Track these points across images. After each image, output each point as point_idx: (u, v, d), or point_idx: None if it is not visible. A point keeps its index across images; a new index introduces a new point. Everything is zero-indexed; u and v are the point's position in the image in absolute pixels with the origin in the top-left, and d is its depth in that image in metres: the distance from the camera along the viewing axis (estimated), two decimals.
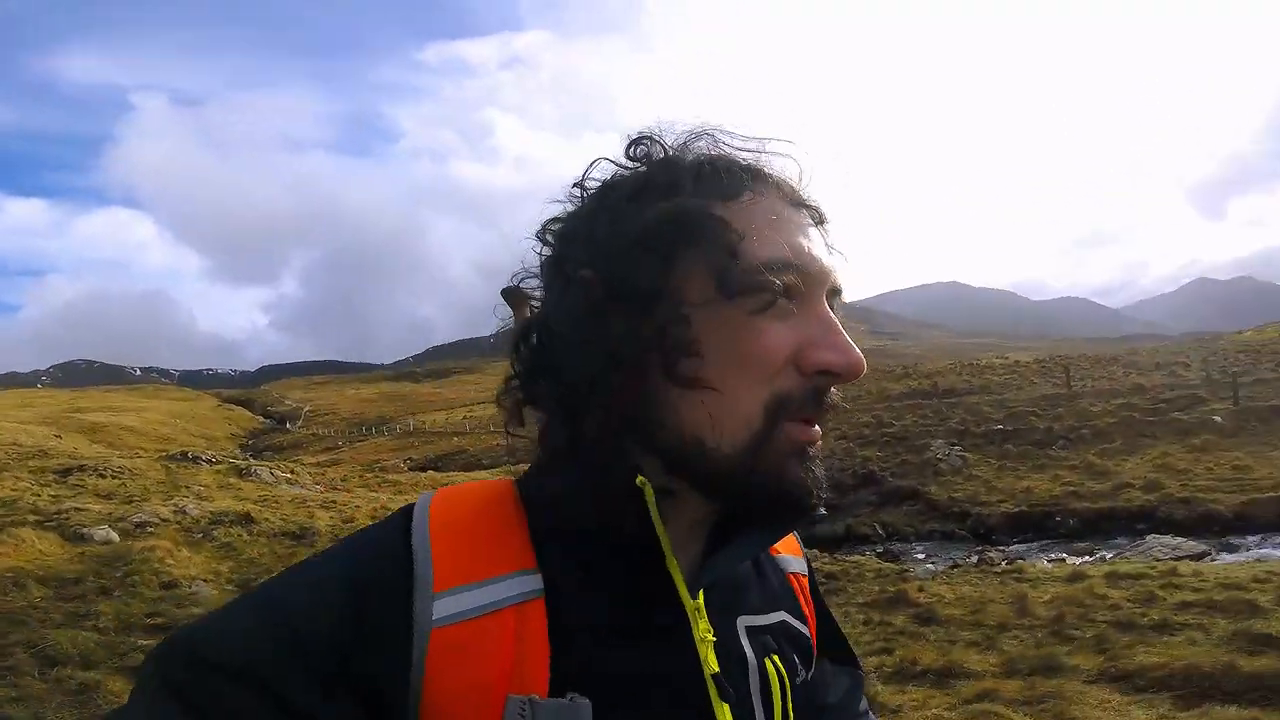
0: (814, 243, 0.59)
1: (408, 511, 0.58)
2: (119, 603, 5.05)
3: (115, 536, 7.33)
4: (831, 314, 0.58)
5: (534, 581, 0.55)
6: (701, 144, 0.62)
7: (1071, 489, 14.10)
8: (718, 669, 0.57)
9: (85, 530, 7.42)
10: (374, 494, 13.01)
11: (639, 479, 0.55)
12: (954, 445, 17.91)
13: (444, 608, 0.51)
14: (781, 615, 0.68)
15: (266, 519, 7.56)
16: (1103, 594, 6.44)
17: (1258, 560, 9.10)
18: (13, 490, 9.99)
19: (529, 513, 0.59)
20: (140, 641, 4.56)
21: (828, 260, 0.59)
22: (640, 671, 0.55)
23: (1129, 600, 6.23)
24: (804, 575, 0.76)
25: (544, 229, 0.62)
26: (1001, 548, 12.25)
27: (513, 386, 0.62)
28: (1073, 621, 5.66)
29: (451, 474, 21.95)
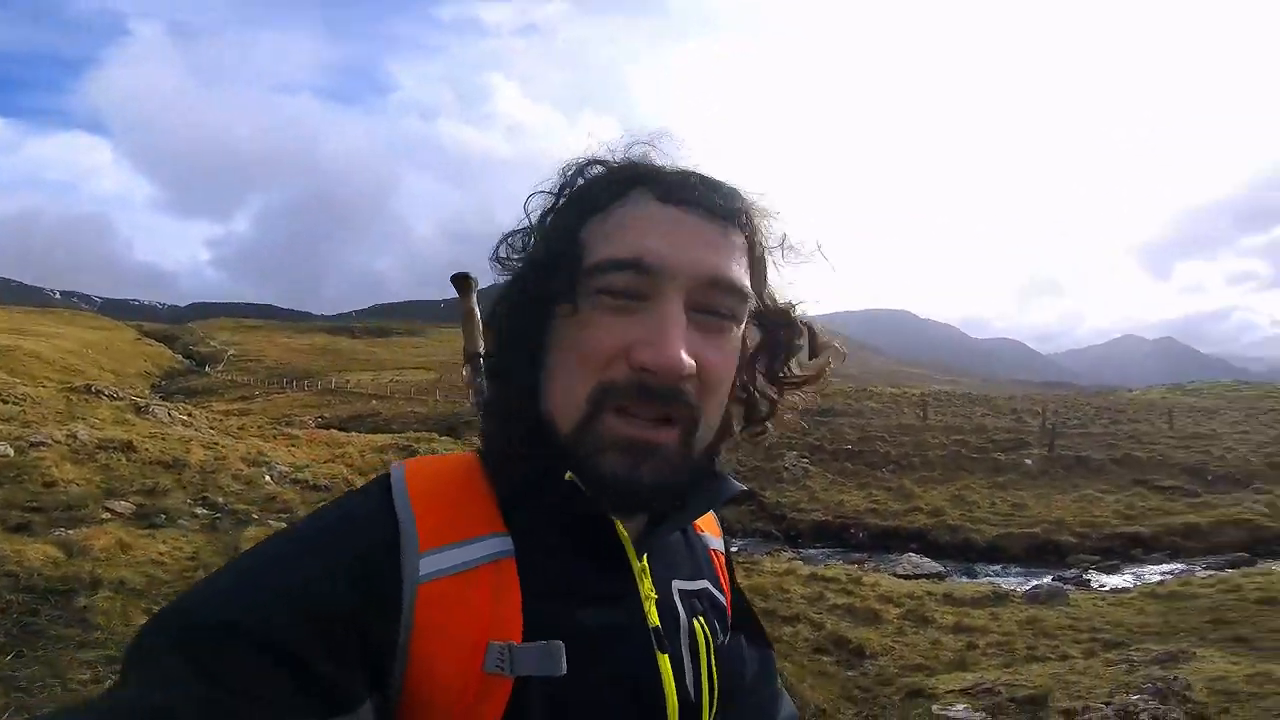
0: (676, 239, 0.62)
1: (384, 481, 0.64)
2: (7, 491, 6.63)
3: (11, 451, 8.68)
4: (670, 311, 0.60)
5: (504, 543, 0.62)
6: (610, 151, 0.69)
7: (874, 507, 16.31)
8: (658, 623, 0.66)
9: None
10: (261, 441, 14.34)
11: None
12: (804, 458, 20.24)
13: (428, 565, 0.58)
14: (704, 584, 0.77)
15: (146, 449, 9.04)
16: (787, 587, 8.07)
17: (974, 584, 10.71)
18: None
19: (494, 482, 0.66)
20: (18, 514, 6.24)
21: (691, 255, 0.61)
22: (598, 623, 0.62)
23: (801, 596, 7.82)
24: (722, 553, 0.85)
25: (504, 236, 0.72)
26: (800, 551, 14.02)
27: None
28: None
29: (352, 434, 22.84)
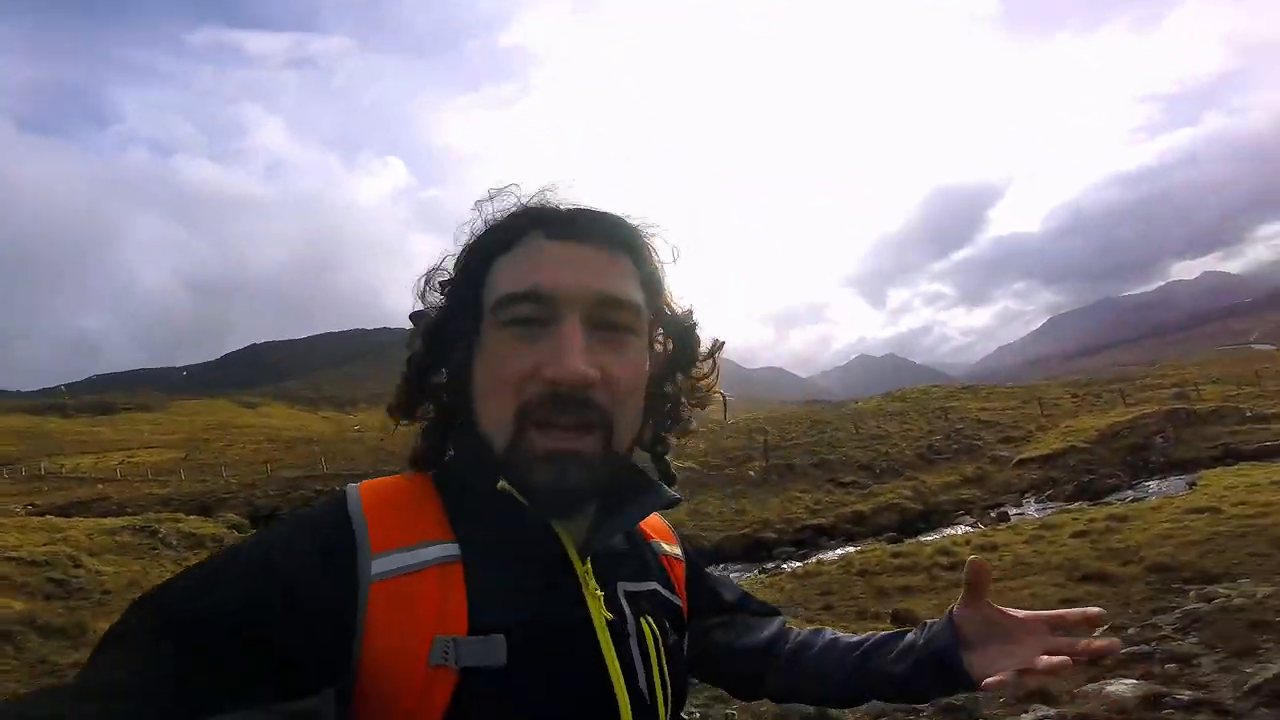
0: (566, 268, 0.71)
1: (340, 496, 0.72)
2: None
3: None
4: (567, 330, 0.69)
5: (452, 549, 0.69)
6: (512, 198, 0.78)
7: None
8: (603, 621, 0.71)
9: None
10: None
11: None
12: None
13: (380, 565, 0.65)
14: (653, 585, 0.82)
15: None
16: None
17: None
18: None
19: (443, 495, 0.74)
20: None
21: (580, 280, 0.71)
22: (543, 621, 0.68)
23: None
24: (678, 560, 0.91)
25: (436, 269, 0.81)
26: None
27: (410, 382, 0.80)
28: None
29: (75, 519, 19.75)
